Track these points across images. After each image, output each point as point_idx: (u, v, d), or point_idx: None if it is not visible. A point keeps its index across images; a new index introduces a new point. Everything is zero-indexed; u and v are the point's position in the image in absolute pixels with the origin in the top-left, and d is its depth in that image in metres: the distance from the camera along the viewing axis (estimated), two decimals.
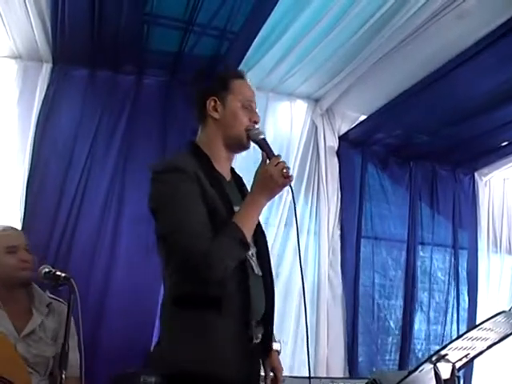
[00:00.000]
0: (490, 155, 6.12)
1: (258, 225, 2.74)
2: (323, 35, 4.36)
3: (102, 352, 4.36)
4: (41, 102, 4.72)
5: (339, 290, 5.48)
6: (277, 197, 2.75)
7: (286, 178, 2.53)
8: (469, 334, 2.80)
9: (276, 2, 3.94)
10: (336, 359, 5.32)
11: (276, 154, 2.62)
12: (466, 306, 6.11)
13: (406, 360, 5.62)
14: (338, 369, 5.30)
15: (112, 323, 4.50)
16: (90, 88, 4.88)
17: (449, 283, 6.12)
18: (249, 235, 2.51)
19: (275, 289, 2.80)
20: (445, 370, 2.84)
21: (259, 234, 2.79)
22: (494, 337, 3.00)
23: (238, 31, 4.36)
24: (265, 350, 2.80)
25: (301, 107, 5.62)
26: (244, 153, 2.85)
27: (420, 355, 5.70)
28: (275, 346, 2.98)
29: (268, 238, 2.93)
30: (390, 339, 5.73)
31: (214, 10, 4.12)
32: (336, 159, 5.71)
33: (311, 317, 5.33)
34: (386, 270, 5.85)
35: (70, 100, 4.83)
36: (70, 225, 4.59)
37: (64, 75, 4.83)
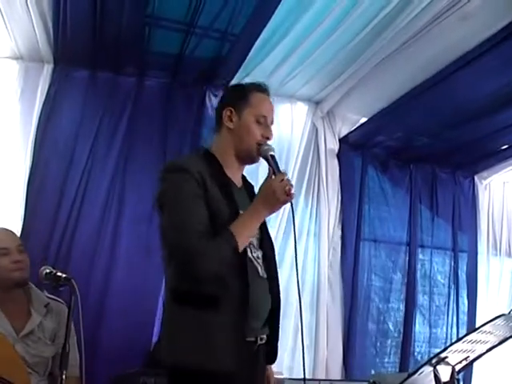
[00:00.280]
0: (490, 158, 6.12)
1: (265, 229, 2.86)
2: (324, 37, 4.36)
3: (101, 352, 4.37)
4: (42, 103, 4.73)
5: (339, 291, 5.48)
6: None
7: (288, 196, 2.58)
8: (468, 337, 2.80)
9: (277, 5, 3.94)
10: (335, 361, 5.31)
11: (282, 171, 2.67)
12: (466, 309, 6.11)
13: (406, 363, 5.62)
14: (337, 371, 5.29)
15: (112, 323, 4.50)
16: (91, 89, 4.89)
17: (448, 286, 6.13)
18: (243, 243, 2.56)
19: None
20: (444, 373, 2.84)
21: (265, 237, 2.87)
22: (493, 340, 3.00)
23: (239, 33, 4.36)
24: (271, 352, 2.86)
25: (301, 109, 5.62)
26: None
27: (419, 358, 5.70)
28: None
29: None
30: (389, 342, 5.73)
31: (215, 12, 4.12)
32: (336, 161, 5.71)
33: (310, 318, 5.34)
34: (386, 272, 5.86)
35: (71, 101, 4.83)
36: (71, 225, 4.60)
37: (65, 76, 4.83)
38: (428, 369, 2.80)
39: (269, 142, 2.77)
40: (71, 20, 4.17)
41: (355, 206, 5.73)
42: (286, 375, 4.36)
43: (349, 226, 5.62)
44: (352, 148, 5.82)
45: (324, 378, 5.02)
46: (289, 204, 2.68)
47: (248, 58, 4.66)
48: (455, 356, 2.85)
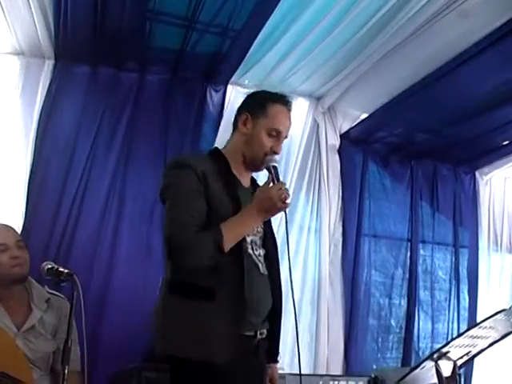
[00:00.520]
0: (490, 154, 6.13)
1: (269, 228, 2.95)
2: (325, 33, 4.36)
3: (103, 348, 4.37)
4: (43, 99, 4.72)
5: (340, 287, 5.48)
6: None
7: (284, 204, 2.64)
8: (470, 332, 2.81)
9: (278, 1, 3.94)
10: (336, 357, 5.33)
11: (281, 181, 2.75)
12: (467, 304, 6.11)
13: (408, 358, 5.63)
14: (338, 366, 5.30)
15: (113, 319, 4.51)
16: (92, 85, 4.87)
17: (450, 282, 6.13)
18: (231, 242, 2.60)
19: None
20: (446, 368, 2.85)
21: (269, 237, 2.95)
22: (494, 335, 3.01)
23: (240, 29, 4.35)
24: (273, 350, 2.94)
25: (302, 105, 5.61)
26: None
27: (420, 353, 5.70)
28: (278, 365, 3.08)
29: None
30: (391, 337, 5.73)
31: (216, 7, 4.12)
32: (337, 157, 5.71)
33: (311, 314, 5.35)
34: (387, 268, 5.86)
35: (71, 97, 4.82)
36: (71, 222, 4.59)
37: (66, 72, 4.82)
38: (430, 363, 2.82)
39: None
40: (72, 15, 4.16)
41: (356, 201, 5.74)
42: (287, 371, 4.36)
43: (350, 222, 5.63)
44: (353, 144, 5.83)
45: (325, 373, 5.02)
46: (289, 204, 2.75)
47: (249, 53, 4.65)
48: (457, 351, 2.86)
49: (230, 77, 5.07)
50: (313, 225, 5.52)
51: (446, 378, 2.84)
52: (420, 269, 5.99)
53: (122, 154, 4.85)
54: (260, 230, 2.88)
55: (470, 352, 3.01)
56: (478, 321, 2.99)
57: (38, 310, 3.42)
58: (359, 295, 5.53)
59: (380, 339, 5.68)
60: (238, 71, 4.97)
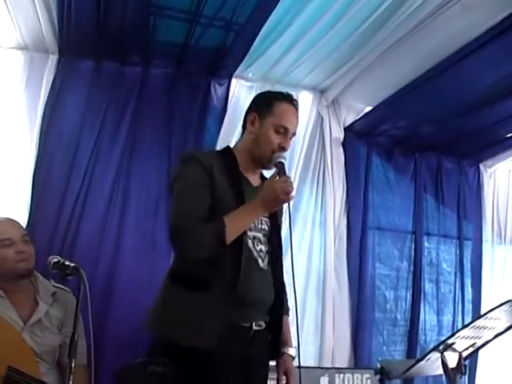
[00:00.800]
0: (494, 147, 6.11)
1: (275, 226, 3.03)
2: (329, 26, 4.35)
3: (108, 341, 4.38)
4: (47, 94, 4.72)
5: (345, 280, 5.48)
6: None
7: (287, 196, 2.70)
8: (476, 323, 2.81)
9: None
10: (342, 349, 5.33)
11: (287, 175, 2.81)
12: (471, 296, 6.11)
13: (413, 350, 5.63)
14: (344, 359, 5.31)
15: (118, 313, 4.51)
16: (96, 80, 4.88)
17: (454, 274, 6.13)
18: (233, 234, 2.68)
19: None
20: (452, 359, 2.85)
21: (275, 233, 3.01)
22: (499, 326, 3.01)
23: (244, 22, 4.35)
24: (273, 344, 2.98)
25: (306, 98, 5.60)
26: None
27: (425, 346, 5.70)
28: (291, 351, 3.12)
29: None
30: (396, 330, 5.74)
31: (220, 1, 4.11)
32: (341, 150, 5.70)
33: (317, 307, 5.35)
34: (392, 260, 5.87)
35: (75, 92, 4.82)
36: (76, 216, 4.60)
37: (70, 67, 4.82)
38: (435, 355, 2.82)
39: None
40: (76, 10, 4.16)
41: (361, 194, 5.74)
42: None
43: (354, 215, 5.62)
44: (357, 137, 5.82)
45: (330, 366, 5.03)
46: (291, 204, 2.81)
47: (253, 47, 4.64)
48: (462, 342, 2.86)
49: (234, 70, 5.07)
50: (317, 217, 5.51)
51: (452, 369, 2.85)
52: (424, 261, 5.98)
53: (126, 148, 4.85)
54: (265, 227, 2.94)
55: (475, 343, 3.01)
56: (483, 313, 2.99)
57: (44, 304, 3.43)
58: (364, 288, 5.53)
59: (385, 332, 5.68)
60: (241, 65, 4.97)
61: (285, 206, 2.98)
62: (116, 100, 4.91)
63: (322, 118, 5.64)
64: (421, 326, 5.78)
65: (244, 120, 3.07)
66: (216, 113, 5.09)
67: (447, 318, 5.96)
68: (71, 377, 2.68)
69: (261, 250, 2.86)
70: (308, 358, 5.08)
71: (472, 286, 6.14)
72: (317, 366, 5.03)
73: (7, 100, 4.68)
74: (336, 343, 5.31)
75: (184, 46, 4.71)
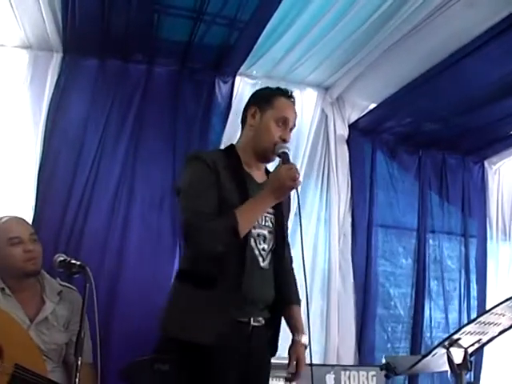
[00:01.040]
0: (499, 144, 6.10)
1: (280, 224, 3.04)
2: (333, 23, 4.35)
3: (114, 339, 4.39)
4: (51, 92, 4.73)
5: (350, 278, 5.48)
6: None
7: (293, 182, 2.72)
8: (481, 318, 2.81)
9: None
10: (347, 347, 5.33)
11: (291, 162, 2.84)
12: (476, 294, 6.10)
13: (418, 347, 5.63)
14: (349, 356, 5.31)
15: (124, 310, 4.52)
16: (101, 78, 4.89)
17: (459, 271, 6.12)
18: (244, 226, 2.71)
19: None
20: (457, 355, 2.85)
21: (279, 230, 3.03)
22: (505, 322, 3.00)
23: (247, 20, 4.35)
24: (271, 342, 3.02)
25: (311, 96, 5.59)
26: None
27: (430, 343, 5.70)
28: (303, 338, 3.11)
29: None
30: (401, 327, 5.74)
31: None
32: (346, 147, 5.70)
33: (322, 305, 5.35)
34: (396, 258, 5.87)
35: (80, 90, 4.83)
36: (81, 213, 4.61)
37: (74, 65, 4.83)
38: (441, 351, 2.82)
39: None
40: (80, 8, 4.17)
41: (365, 191, 5.73)
42: None
43: (359, 212, 5.63)
44: (362, 134, 5.82)
45: (335, 363, 5.04)
46: (297, 191, 2.82)
47: (257, 44, 4.64)
48: (468, 338, 2.86)
49: (238, 68, 5.07)
50: (322, 215, 5.52)
51: (458, 365, 2.85)
52: (429, 259, 5.98)
53: (130, 146, 4.87)
54: (269, 223, 2.96)
55: (480, 339, 3.01)
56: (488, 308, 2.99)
57: (51, 303, 3.44)
58: (369, 285, 5.52)
59: (390, 329, 5.68)
60: (246, 62, 4.97)
61: (291, 196, 3.07)
62: (120, 98, 4.91)
63: (327, 116, 5.63)
64: (425, 323, 5.78)
65: (243, 116, 3.12)
66: (220, 110, 5.10)
67: (452, 315, 5.95)
68: (77, 375, 2.69)
69: (263, 249, 2.89)
70: (313, 356, 5.07)
71: (477, 283, 6.13)
72: (322, 363, 5.02)
73: (12, 98, 4.68)
74: (341, 340, 5.31)
75: (188, 44, 4.72)
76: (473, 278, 6.15)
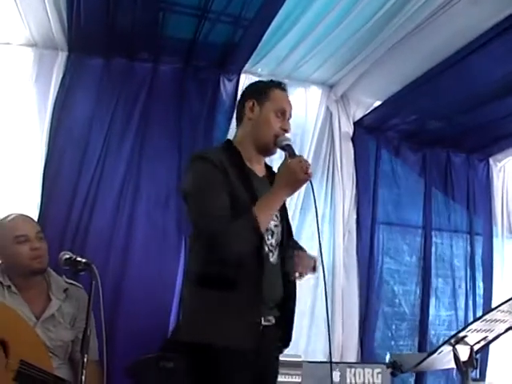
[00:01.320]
0: (504, 141, 6.08)
1: (285, 218, 3.03)
2: (337, 21, 4.35)
3: (119, 337, 4.40)
4: (56, 90, 4.75)
5: (354, 275, 5.49)
6: None
7: (306, 174, 2.72)
8: (487, 316, 2.80)
9: None
10: (350, 344, 5.34)
11: (298, 154, 2.83)
12: (482, 291, 6.10)
13: (423, 345, 5.63)
14: (353, 354, 5.32)
15: (129, 308, 4.53)
16: (106, 76, 4.90)
17: (464, 269, 6.12)
18: (264, 223, 2.70)
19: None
20: (463, 353, 2.85)
21: (284, 224, 3.00)
22: (511, 319, 3.00)
23: (252, 18, 4.35)
24: (284, 336, 2.97)
25: (315, 93, 5.60)
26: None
27: (435, 341, 5.70)
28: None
29: None
30: (405, 325, 5.74)
31: None
32: (351, 145, 5.71)
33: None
34: (401, 255, 5.87)
35: (85, 88, 4.84)
36: (87, 212, 4.63)
37: (79, 63, 4.85)
38: (447, 348, 2.81)
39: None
40: (85, 7, 4.18)
41: (370, 189, 5.74)
42: (303, 358, 4.39)
43: (364, 210, 5.64)
44: (366, 131, 5.83)
45: (340, 360, 5.04)
46: (304, 187, 2.82)
47: (261, 42, 4.65)
48: (474, 335, 2.85)
49: (243, 66, 5.08)
50: (327, 212, 5.52)
51: (464, 362, 2.84)
52: (434, 256, 5.98)
53: (135, 144, 4.88)
54: (274, 217, 2.91)
55: (486, 337, 3.00)
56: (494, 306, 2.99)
57: (57, 300, 3.44)
58: (374, 283, 5.54)
59: (394, 326, 5.69)
60: (250, 60, 4.97)
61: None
62: (125, 96, 4.92)
63: (331, 113, 5.64)
64: (430, 320, 5.77)
65: (238, 111, 3.08)
66: (225, 108, 5.10)
67: (458, 313, 5.95)
68: (83, 372, 2.69)
69: (271, 244, 2.86)
70: (318, 353, 5.09)
71: (483, 281, 6.13)
72: (326, 360, 5.02)
73: (17, 97, 4.70)
74: (345, 338, 5.32)
75: (193, 42, 4.73)
76: (478, 275, 6.14)
